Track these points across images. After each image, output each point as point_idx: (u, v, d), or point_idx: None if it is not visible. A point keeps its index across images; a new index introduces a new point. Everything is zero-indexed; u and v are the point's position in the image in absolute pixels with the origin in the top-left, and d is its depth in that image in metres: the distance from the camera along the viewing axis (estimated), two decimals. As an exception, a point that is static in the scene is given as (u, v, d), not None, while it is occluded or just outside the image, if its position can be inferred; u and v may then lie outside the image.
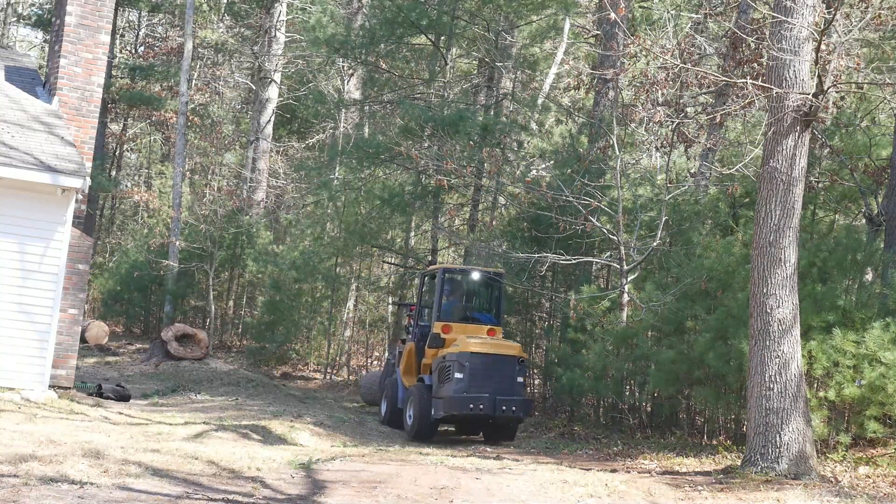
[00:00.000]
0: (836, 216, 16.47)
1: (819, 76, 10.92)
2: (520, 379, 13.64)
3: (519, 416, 13.60)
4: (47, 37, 30.90)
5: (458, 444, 13.60)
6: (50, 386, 12.65)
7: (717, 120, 15.51)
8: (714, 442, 13.33)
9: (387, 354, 17.24)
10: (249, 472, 9.24)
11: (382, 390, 15.50)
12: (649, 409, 15.32)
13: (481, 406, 13.22)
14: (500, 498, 9.06)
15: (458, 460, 11.26)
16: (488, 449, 13.13)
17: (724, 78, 12.76)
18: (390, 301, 22.52)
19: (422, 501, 8.66)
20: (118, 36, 30.64)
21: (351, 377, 21.56)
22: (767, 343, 10.66)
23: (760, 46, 13.55)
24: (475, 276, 15.21)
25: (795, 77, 10.74)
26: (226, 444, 10.89)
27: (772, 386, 10.58)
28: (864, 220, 15.24)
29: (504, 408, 13.31)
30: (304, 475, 9.46)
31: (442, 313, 14.46)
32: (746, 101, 12.57)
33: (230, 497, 8.01)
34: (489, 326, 14.47)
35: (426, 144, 17.85)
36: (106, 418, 11.88)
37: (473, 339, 13.66)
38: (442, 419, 13.70)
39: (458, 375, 13.30)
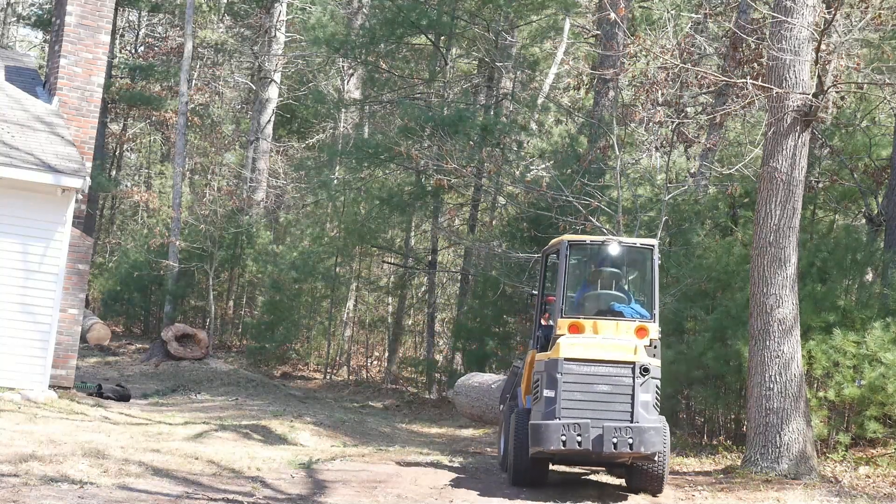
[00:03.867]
0: (836, 216, 16.47)
1: (819, 76, 10.93)
2: (645, 397, 9.31)
3: (640, 453, 9.16)
4: (47, 37, 30.88)
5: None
6: (50, 386, 12.65)
7: (717, 120, 15.53)
8: (714, 442, 13.34)
9: (515, 361, 12.94)
10: (249, 472, 9.24)
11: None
12: (649, 409, 15.28)
13: (579, 438, 9.08)
14: (500, 498, 9.07)
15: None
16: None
17: (724, 78, 12.77)
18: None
19: (422, 501, 8.67)
20: (118, 36, 30.62)
21: (351, 377, 21.56)
22: (767, 343, 10.67)
23: (760, 46, 13.56)
24: (615, 249, 10.42)
25: (795, 77, 10.75)
26: (226, 444, 10.89)
27: (772, 386, 10.59)
28: (864, 220, 15.25)
29: (616, 440, 9.07)
30: (305, 475, 9.46)
31: (568, 306, 10.09)
32: (746, 101, 12.59)
33: (230, 497, 8.02)
34: (638, 323, 9.86)
35: (426, 144, 17.86)
36: (106, 418, 11.88)
37: (573, 340, 9.65)
38: (547, 457, 9.73)
39: (547, 393, 9.41)
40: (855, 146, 15.07)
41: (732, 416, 13.69)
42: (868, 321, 11.85)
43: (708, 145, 17.65)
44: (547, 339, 10.12)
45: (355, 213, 21.75)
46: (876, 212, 14.52)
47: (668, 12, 16.45)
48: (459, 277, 22.12)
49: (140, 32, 34.67)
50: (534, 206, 16.66)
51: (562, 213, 15.59)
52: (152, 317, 25.46)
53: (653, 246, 10.28)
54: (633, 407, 9.25)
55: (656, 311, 10.04)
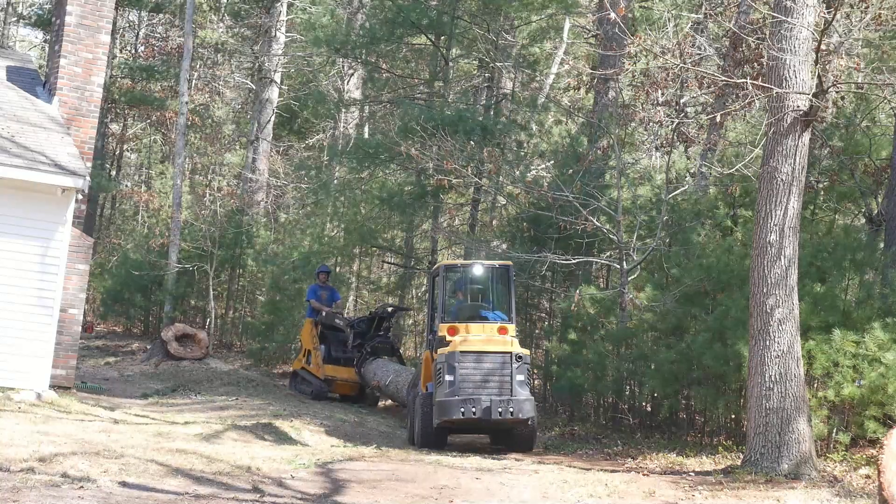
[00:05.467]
0: (836, 216, 16.48)
1: (819, 76, 10.93)
2: (520, 377, 12.26)
3: (518, 419, 12.19)
4: (47, 37, 30.89)
5: (460, 444, 13.59)
6: (50, 386, 12.66)
7: (718, 120, 15.53)
8: (714, 442, 13.34)
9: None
10: (249, 471, 9.25)
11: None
12: (649, 409, 15.32)
13: (473, 409, 12.02)
14: (500, 498, 9.07)
15: (459, 460, 11.26)
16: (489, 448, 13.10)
17: (724, 78, 12.76)
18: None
19: (422, 501, 8.68)
20: (118, 36, 30.62)
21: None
22: (767, 343, 10.67)
23: (760, 46, 13.56)
24: (479, 270, 13.82)
25: (795, 77, 10.75)
26: (226, 444, 10.90)
27: (772, 386, 10.59)
28: (864, 220, 15.25)
29: (500, 410, 12.04)
30: (305, 475, 9.47)
31: (447, 314, 13.35)
32: (746, 101, 12.59)
33: (230, 495, 8.02)
34: (500, 324, 13.11)
35: (426, 144, 17.85)
36: (107, 418, 11.89)
37: (465, 338, 12.62)
38: (449, 427, 12.63)
39: (448, 378, 12.24)
40: (855, 146, 15.07)
41: (732, 416, 13.69)
42: (868, 321, 11.85)
43: (708, 145, 17.66)
44: (438, 342, 13.02)
45: (355, 214, 21.74)
46: (876, 212, 14.52)
47: (668, 12, 16.45)
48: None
49: (140, 32, 34.64)
50: (534, 206, 16.66)
51: (562, 213, 15.60)
52: (152, 317, 25.43)
53: (509, 266, 13.58)
54: (511, 385, 12.20)
55: (513, 315, 13.38)
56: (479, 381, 12.24)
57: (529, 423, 12.40)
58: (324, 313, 17.46)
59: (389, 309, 17.89)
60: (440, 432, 12.68)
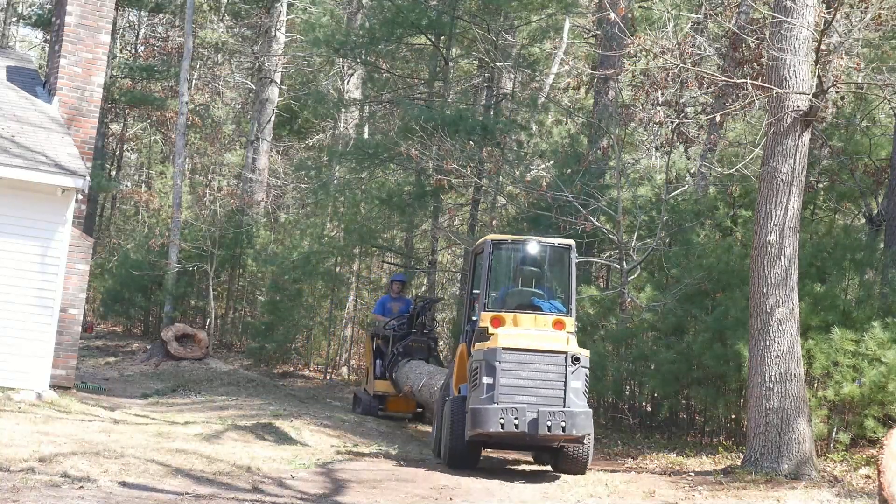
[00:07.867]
0: (836, 216, 16.49)
1: (819, 76, 10.93)
2: (575, 384, 10.04)
3: (571, 435, 9.96)
4: (47, 37, 30.88)
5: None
6: (50, 386, 12.66)
7: (718, 120, 15.53)
8: (714, 442, 13.35)
9: None
10: (249, 471, 9.25)
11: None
12: (649, 409, 15.33)
13: (515, 421, 9.79)
14: (500, 498, 9.07)
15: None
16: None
17: (724, 78, 12.77)
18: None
19: (422, 501, 8.67)
20: (118, 36, 30.62)
21: (351, 377, 21.56)
22: (767, 343, 10.68)
23: (760, 46, 13.57)
24: (535, 248, 11.43)
25: (795, 77, 10.76)
26: (226, 444, 10.90)
27: (772, 386, 10.60)
28: (864, 220, 15.27)
29: (549, 424, 9.81)
30: (305, 475, 9.47)
31: (491, 301, 10.89)
32: (746, 101, 12.59)
33: (230, 495, 8.02)
34: (556, 317, 10.71)
35: (426, 144, 17.85)
36: (107, 418, 11.89)
37: (510, 332, 10.38)
38: (482, 441, 10.50)
39: (485, 380, 10.00)
40: (855, 146, 15.09)
41: (732, 416, 13.70)
42: (868, 320, 11.87)
43: (708, 145, 17.66)
44: (478, 334, 10.78)
45: (355, 214, 21.75)
46: (876, 212, 14.54)
47: (668, 12, 16.45)
48: (459, 277, 22.11)
49: (140, 32, 34.65)
50: (534, 206, 16.66)
51: (562, 213, 15.59)
52: (152, 317, 25.45)
53: (570, 246, 11.06)
54: (565, 393, 9.99)
55: (573, 307, 10.94)
56: (525, 385, 10.06)
57: (585, 441, 10.29)
58: (376, 324, 15.87)
59: (422, 304, 15.88)
60: (473, 447, 10.56)
